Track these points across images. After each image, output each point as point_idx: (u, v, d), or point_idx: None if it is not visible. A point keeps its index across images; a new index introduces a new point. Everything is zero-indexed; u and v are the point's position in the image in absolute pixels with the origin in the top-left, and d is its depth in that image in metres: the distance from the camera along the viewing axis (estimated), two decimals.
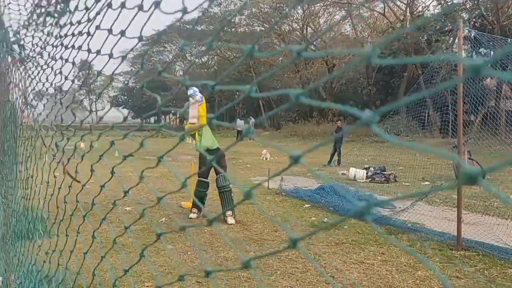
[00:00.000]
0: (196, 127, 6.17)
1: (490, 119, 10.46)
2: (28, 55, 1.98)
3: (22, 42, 2.02)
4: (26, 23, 1.92)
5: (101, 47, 1.20)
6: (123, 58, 1.06)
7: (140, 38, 0.99)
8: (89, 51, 1.15)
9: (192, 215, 6.60)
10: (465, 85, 8.12)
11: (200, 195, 6.37)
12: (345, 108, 0.55)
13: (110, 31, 0.99)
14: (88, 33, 1.13)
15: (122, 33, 0.95)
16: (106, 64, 1.29)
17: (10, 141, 2.30)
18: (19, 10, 2.45)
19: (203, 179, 6.46)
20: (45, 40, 1.59)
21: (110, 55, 1.23)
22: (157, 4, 0.86)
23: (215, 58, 50.59)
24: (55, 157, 1.61)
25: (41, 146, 1.95)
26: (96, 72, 1.48)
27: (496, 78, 12.21)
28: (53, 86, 1.78)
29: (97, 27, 1.05)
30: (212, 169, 6.54)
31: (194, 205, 6.64)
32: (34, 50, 1.85)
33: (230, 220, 6.28)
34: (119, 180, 1.28)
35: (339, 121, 17.45)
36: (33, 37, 1.83)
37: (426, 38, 28.02)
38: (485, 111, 11.33)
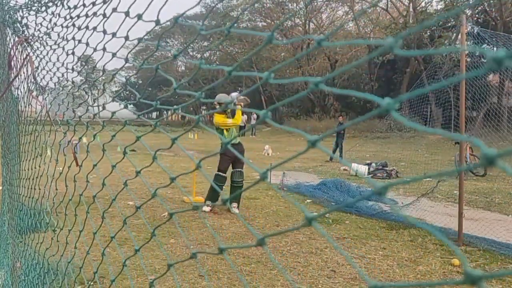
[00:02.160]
0: (232, 124, 6.65)
1: (492, 115, 10.44)
2: (33, 35, 1.97)
3: (25, 21, 2.02)
4: (29, 2, 1.92)
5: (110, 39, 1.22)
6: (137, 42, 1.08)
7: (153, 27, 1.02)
8: (104, 32, 1.16)
9: (206, 208, 6.65)
10: (467, 82, 8.12)
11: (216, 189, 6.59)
12: (364, 96, 0.55)
13: (127, 13, 1.00)
14: (104, 15, 1.14)
15: (139, 16, 0.96)
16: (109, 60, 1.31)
17: (13, 125, 2.32)
18: None
19: (221, 173, 6.58)
20: (51, 20, 1.60)
21: (114, 54, 1.25)
22: None
23: (217, 53, 50.52)
24: (64, 144, 1.63)
25: (44, 136, 1.97)
26: (98, 67, 1.48)
27: (499, 74, 12.16)
28: (56, 79, 1.80)
29: (114, 10, 1.06)
30: (230, 165, 6.78)
31: (208, 198, 6.72)
32: (39, 30, 1.85)
33: (234, 210, 6.43)
34: (120, 174, 1.31)
35: (341, 117, 17.42)
36: (36, 16, 1.83)
37: (429, 33, 27.94)
38: (487, 108, 11.32)
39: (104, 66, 1.26)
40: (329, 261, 4.53)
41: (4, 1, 1.96)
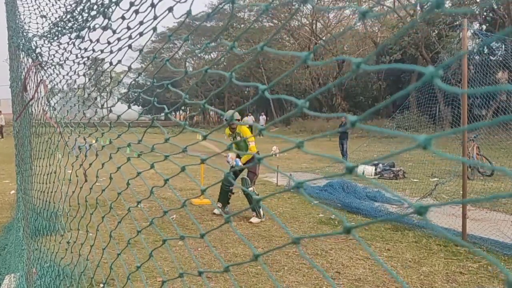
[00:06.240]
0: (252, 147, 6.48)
1: (502, 113, 10.42)
2: (46, 62, 2.09)
3: (39, 50, 2.13)
4: (45, 34, 2.03)
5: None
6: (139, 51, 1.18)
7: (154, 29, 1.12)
8: (105, 51, 1.25)
9: (216, 211, 6.78)
10: (477, 80, 8.15)
11: (225, 189, 6.70)
12: (409, 67, 0.55)
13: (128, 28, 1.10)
14: (105, 27, 1.23)
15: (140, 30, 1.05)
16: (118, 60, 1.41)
17: (28, 138, 2.45)
18: (36, 19, 2.59)
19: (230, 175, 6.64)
20: (63, 54, 1.70)
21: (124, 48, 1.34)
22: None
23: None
24: (78, 156, 1.73)
25: (56, 142, 2.07)
26: (105, 67, 1.53)
27: (508, 71, 12.13)
28: (67, 84, 1.91)
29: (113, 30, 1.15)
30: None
31: (219, 200, 6.83)
32: (52, 59, 1.96)
33: (254, 219, 6.40)
34: (126, 176, 1.41)
35: (343, 117, 17.28)
36: (49, 48, 1.94)
37: (436, 32, 27.82)
38: (496, 105, 11.30)
39: (111, 71, 1.35)
40: (334, 263, 4.61)
41: (19, 27, 2.07)
